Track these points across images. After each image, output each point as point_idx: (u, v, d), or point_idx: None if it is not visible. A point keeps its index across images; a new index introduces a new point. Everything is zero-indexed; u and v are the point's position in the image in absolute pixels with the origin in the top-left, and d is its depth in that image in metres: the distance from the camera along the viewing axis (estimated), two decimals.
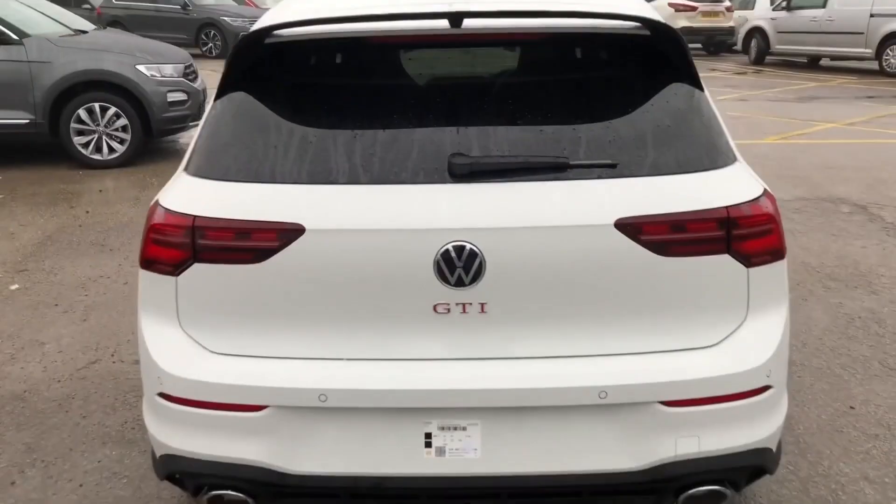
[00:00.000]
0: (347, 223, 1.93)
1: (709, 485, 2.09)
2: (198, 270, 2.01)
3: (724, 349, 2.03)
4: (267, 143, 2.05)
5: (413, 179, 1.96)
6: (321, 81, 2.26)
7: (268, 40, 2.15)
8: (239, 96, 2.14)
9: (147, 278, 2.11)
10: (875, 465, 2.85)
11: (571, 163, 1.97)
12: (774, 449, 2.20)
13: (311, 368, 2.00)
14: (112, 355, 3.75)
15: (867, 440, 3.01)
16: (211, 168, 2.07)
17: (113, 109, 7.51)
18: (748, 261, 2.02)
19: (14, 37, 7.27)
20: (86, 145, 7.57)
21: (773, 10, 18.37)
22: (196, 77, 8.35)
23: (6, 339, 3.92)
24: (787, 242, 5.30)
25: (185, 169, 2.14)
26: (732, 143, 2.15)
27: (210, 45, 19.53)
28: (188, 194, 2.05)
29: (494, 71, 2.32)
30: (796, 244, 5.27)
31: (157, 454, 2.20)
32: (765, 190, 2.11)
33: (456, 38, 2.15)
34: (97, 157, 7.61)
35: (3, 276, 4.80)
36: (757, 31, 18.57)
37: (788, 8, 17.55)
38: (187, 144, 8.52)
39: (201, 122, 2.21)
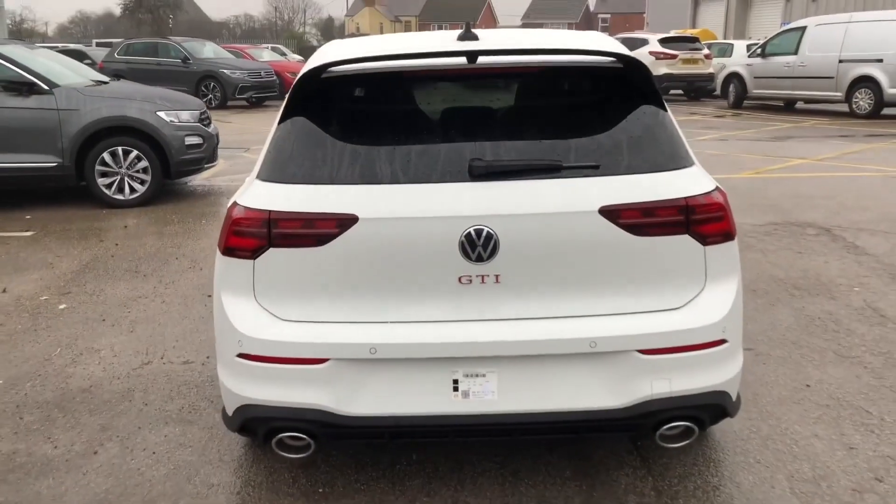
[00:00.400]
0: (392, 213, 2.49)
1: (679, 421, 2.62)
2: (272, 254, 2.55)
3: (688, 310, 2.58)
4: (324, 153, 2.61)
5: (441, 179, 2.52)
6: (366, 106, 2.84)
7: (323, 75, 2.73)
8: (300, 119, 2.70)
9: (227, 263, 2.64)
10: (824, 427, 3.37)
11: (564, 165, 2.54)
12: (734, 396, 2.72)
13: (362, 329, 2.53)
14: (161, 358, 4.25)
15: (819, 409, 3.54)
16: (279, 174, 2.62)
17: (135, 153, 8.07)
18: (704, 240, 2.57)
19: (45, 87, 7.85)
20: (109, 186, 8.11)
21: (749, 56, 19.36)
22: (210, 123, 8.96)
23: (65, 348, 4.42)
24: (758, 260, 5.89)
25: (257, 176, 2.69)
26: (690, 150, 2.72)
27: (210, 96, 20.30)
28: (262, 195, 2.60)
29: (502, 95, 2.91)
30: (766, 260, 5.85)
31: (233, 407, 2.69)
32: (717, 186, 2.67)
33: (472, 71, 2.74)
34: (119, 196, 8.15)
35: (51, 297, 5.30)
36: (735, 77, 19.51)
37: (763, 55, 18.51)
38: (199, 186, 9.12)
39: (268, 140, 2.76)
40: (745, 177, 9.55)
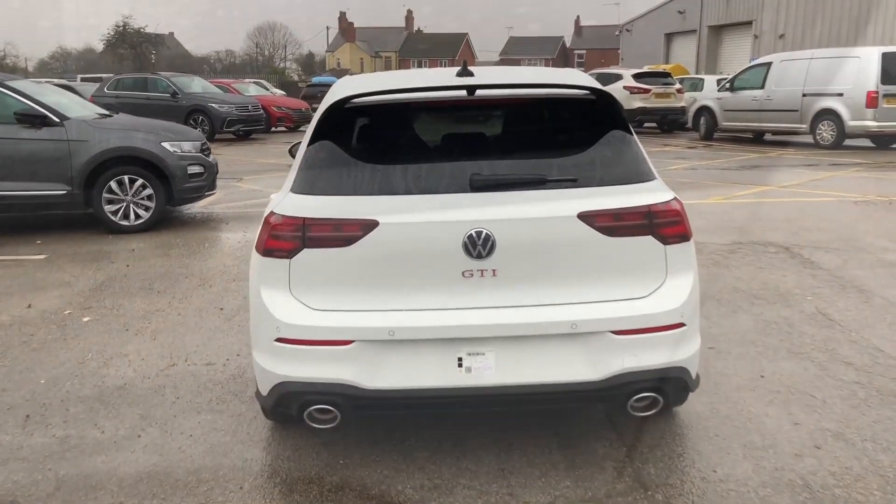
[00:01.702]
0: (407, 218, 3.00)
1: (648, 392, 3.13)
2: (305, 254, 3.05)
3: (652, 298, 3.10)
4: (348, 170, 3.13)
5: (447, 190, 3.04)
6: (383, 130, 3.37)
7: (346, 106, 3.26)
8: (326, 142, 3.22)
9: (265, 262, 3.13)
10: (774, 408, 3.90)
11: (548, 178, 3.07)
12: (693, 373, 3.23)
13: (382, 315, 3.02)
14: (185, 361, 4.70)
15: (771, 394, 4.07)
16: (310, 187, 3.14)
17: (140, 181, 8.55)
18: (665, 240, 3.11)
19: (56, 119, 8.33)
20: (115, 213, 8.56)
21: (719, 91, 20.25)
22: (209, 153, 9.47)
23: (96, 353, 4.86)
24: (722, 274, 6.52)
25: (291, 189, 3.19)
26: (653, 167, 3.26)
27: (198, 129, 20.77)
28: (297, 204, 3.10)
29: (496, 121, 3.46)
30: (730, 275, 6.42)
31: (269, 386, 3.16)
32: (674, 196, 3.21)
33: (471, 102, 3.29)
34: (125, 223, 8.60)
35: (74, 311, 5.74)
36: (705, 110, 20.34)
37: (732, 89, 19.39)
38: (198, 213, 9.60)
39: (298, 160, 3.27)
40: (713, 202, 10.19)
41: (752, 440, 3.56)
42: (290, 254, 3.07)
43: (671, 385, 3.18)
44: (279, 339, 3.08)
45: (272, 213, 3.17)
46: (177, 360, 4.71)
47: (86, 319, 5.56)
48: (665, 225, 3.11)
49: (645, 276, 3.11)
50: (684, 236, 3.17)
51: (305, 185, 3.16)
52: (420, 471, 3.34)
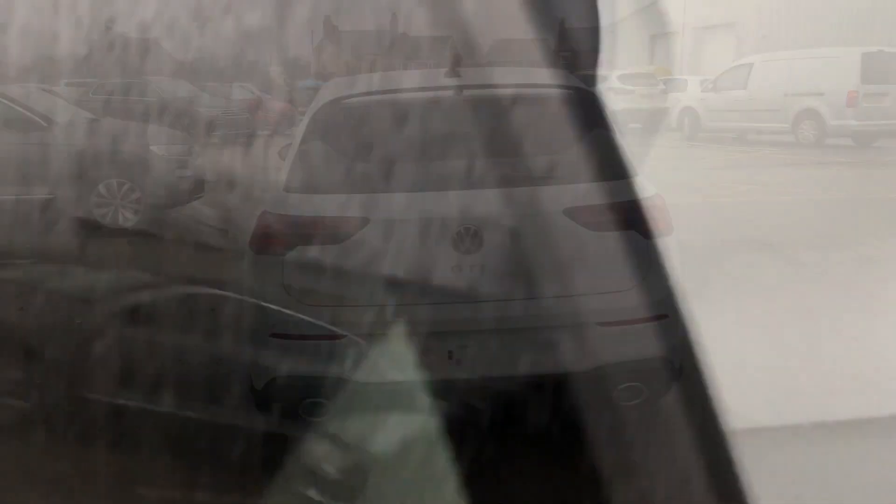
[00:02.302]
0: (398, 215, 3.09)
1: (632, 381, 3.23)
2: (298, 250, 3.13)
3: (636, 290, 3.20)
4: (339, 168, 3.22)
5: (436, 187, 3.13)
6: (373, 129, 3.46)
7: (338, 106, 3.34)
8: (318, 141, 3.31)
9: (259, 260, 3.21)
10: (756, 397, 4.00)
11: (535, 175, 3.17)
12: (675, 365, 3.33)
13: (374, 309, 3.11)
14: (182, 360, 4.76)
15: (752, 384, 4.18)
16: (302, 185, 3.22)
17: (128, 184, 8.59)
18: (647, 235, 3.21)
19: (43, 124, 8.37)
20: (104, 216, 8.59)
21: (703, 91, 20.41)
22: (197, 156, 9.52)
23: None
24: (706, 270, 6.54)
25: (283, 188, 3.27)
26: (636, 164, 3.36)
27: (184, 132, 20.73)
28: (289, 202, 3.19)
29: (483, 120, 3.54)
30: (713, 270, 6.52)
31: (264, 381, 3.24)
32: (656, 192, 3.32)
33: (458, 102, 3.38)
34: (114, 226, 8.62)
35: None
36: (689, 111, 20.51)
37: (715, 89, 19.58)
38: (187, 215, 9.58)
39: (290, 159, 3.35)
40: (697, 200, 10.32)
41: (735, 427, 3.66)
42: (283, 251, 3.15)
43: (655, 375, 3.28)
44: (273, 335, 3.16)
45: (265, 211, 3.24)
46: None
47: (79, 321, 5.59)
48: (647, 220, 3.21)
49: (628, 268, 3.21)
50: (666, 231, 3.27)
51: (297, 184, 3.24)
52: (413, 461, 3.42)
